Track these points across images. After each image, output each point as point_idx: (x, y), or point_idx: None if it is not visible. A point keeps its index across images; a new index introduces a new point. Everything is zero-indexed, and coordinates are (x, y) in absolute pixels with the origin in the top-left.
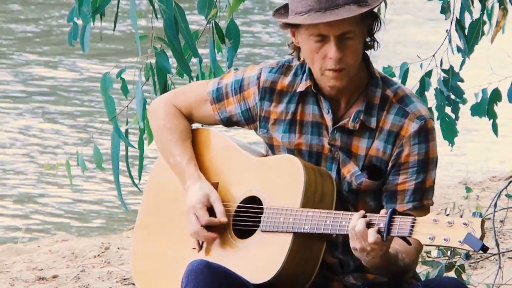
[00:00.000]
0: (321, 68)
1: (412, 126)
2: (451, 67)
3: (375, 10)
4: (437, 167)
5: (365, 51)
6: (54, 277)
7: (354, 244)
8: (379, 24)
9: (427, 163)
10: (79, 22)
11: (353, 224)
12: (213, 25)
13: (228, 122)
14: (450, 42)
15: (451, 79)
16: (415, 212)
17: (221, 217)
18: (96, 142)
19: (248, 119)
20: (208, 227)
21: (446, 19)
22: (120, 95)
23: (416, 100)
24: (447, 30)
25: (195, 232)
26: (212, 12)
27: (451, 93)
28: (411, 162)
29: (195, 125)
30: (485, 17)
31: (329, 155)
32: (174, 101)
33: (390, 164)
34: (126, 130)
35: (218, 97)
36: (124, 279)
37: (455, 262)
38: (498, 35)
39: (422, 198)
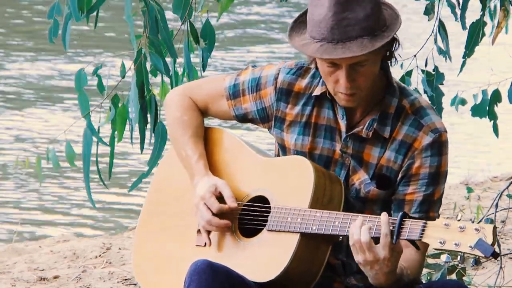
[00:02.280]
0: (334, 90)
1: (425, 139)
2: (436, 67)
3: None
4: (446, 181)
5: (389, 60)
6: (56, 277)
7: (360, 256)
8: (396, 45)
9: (437, 176)
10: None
11: (357, 237)
12: (188, 25)
13: (243, 119)
14: (435, 42)
15: (435, 80)
16: None
17: (230, 203)
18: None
19: (263, 118)
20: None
21: (429, 20)
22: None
23: (432, 112)
24: (432, 30)
25: (207, 222)
26: (203, 11)
27: (434, 94)
28: (421, 174)
29: (207, 123)
30: (486, 18)
31: (339, 161)
32: (190, 94)
33: (400, 175)
34: (99, 128)
35: (235, 94)
36: (126, 279)
37: (457, 264)
38: (499, 36)
39: (428, 210)
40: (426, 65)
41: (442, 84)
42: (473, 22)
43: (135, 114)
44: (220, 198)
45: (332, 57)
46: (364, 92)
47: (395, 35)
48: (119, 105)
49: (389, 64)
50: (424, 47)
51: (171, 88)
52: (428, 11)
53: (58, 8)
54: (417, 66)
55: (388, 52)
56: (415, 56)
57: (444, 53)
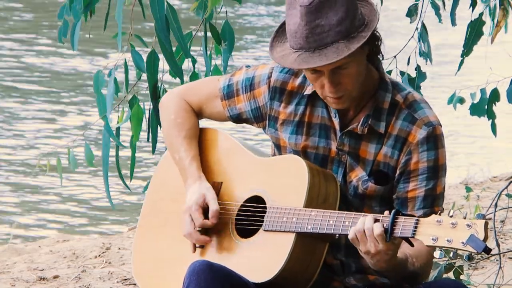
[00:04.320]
0: (322, 94)
1: (420, 133)
2: (418, 66)
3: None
4: (446, 174)
5: (377, 55)
6: (55, 277)
7: (362, 246)
8: (379, 41)
9: (436, 170)
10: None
11: (359, 227)
12: (208, 26)
13: (238, 119)
14: (419, 41)
15: (417, 79)
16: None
17: (212, 219)
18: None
19: (257, 118)
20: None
21: (411, 22)
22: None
23: (425, 106)
24: (416, 28)
25: (188, 234)
26: (193, 5)
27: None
28: (420, 169)
29: (202, 124)
30: (485, 17)
31: (336, 159)
32: (185, 96)
33: (398, 171)
34: (117, 129)
35: (229, 94)
36: (125, 279)
37: (454, 262)
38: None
39: (433, 205)
40: (408, 64)
41: (419, 86)
42: (471, 21)
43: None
44: (207, 209)
45: (308, 66)
46: (354, 92)
47: (376, 32)
48: (135, 105)
49: (380, 59)
50: (407, 47)
51: None
52: (411, 13)
53: (74, 9)
54: (396, 67)
55: (373, 48)
56: (395, 57)
57: (426, 55)
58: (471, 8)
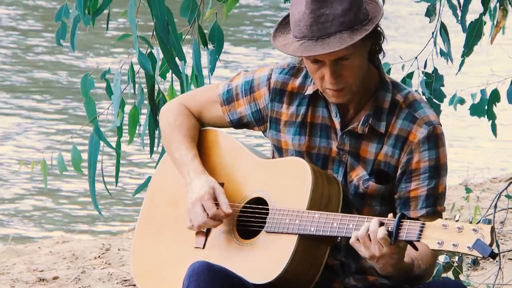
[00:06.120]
0: (322, 87)
1: (420, 132)
2: (435, 69)
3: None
4: (447, 174)
5: (377, 55)
6: (55, 278)
7: (366, 252)
8: (382, 38)
9: (438, 169)
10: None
11: (361, 231)
12: (197, 28)
13: (238, 123)
14: (435, 45)
15: (434, 82)
16: (428, 218)
17: (225, 209)
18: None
19: (258, 120)
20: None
21: (430, 22)
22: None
23: (425, 105)
24: (432, 33)
25: (203, 223)
26: (209, 13)
27: (432, 96)
28: (422, 168)
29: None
30: (485, 18)
31: (336, 158)
32: (185, 103)
33: (400, 171)
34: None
35: (229, 99)
36: (125, 280)
37: (453, 262)
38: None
39: (435, 204)
40: (425, 67)
41: (443, 85)
42: (472, 22)
43: (115, 113)
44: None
45: (311, 54)
46: (354, 86)
47: (379, 28)
48: (131, 107)
49: (380, 59)
50: (425, 47)
51: (181, 92)
52: (430, 13)
53: (66, 11)
54: (418, 68)
55: (374, 46)
56: (416, 58)
57: (446, 54)
58: (484, 12)
